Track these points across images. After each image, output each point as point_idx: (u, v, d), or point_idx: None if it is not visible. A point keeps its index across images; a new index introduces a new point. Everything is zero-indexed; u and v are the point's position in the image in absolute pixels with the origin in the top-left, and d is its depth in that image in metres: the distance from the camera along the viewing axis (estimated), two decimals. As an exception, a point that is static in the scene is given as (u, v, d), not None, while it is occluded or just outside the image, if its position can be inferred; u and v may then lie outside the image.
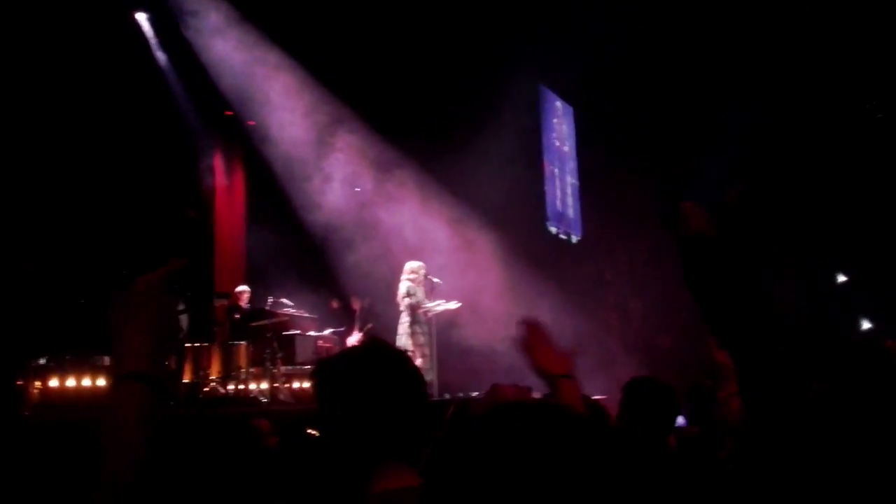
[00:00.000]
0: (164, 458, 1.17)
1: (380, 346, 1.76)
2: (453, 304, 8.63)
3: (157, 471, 1.13)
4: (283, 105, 10.42)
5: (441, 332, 8.99)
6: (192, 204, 10.06)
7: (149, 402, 1.15)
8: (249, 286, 9.62)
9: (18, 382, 6.64)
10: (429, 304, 8.41)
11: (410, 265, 8.56)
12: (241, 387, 8.46)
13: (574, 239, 13.57)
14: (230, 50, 9.97)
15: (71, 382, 7.06)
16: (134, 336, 1.18)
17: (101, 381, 7.50)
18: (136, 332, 1.19)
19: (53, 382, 6.97)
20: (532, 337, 2.09)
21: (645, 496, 0.92)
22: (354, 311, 10.09)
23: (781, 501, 0.86)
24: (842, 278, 10.59)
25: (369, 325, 9.71)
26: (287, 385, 8.69)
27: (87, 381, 7.09)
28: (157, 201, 9.31)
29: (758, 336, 0.88)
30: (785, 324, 0.88)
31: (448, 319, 9.21)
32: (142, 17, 10.11)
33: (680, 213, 0.90)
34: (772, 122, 9.56)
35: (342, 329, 10.01)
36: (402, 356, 1.72)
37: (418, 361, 8.29)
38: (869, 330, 9.35)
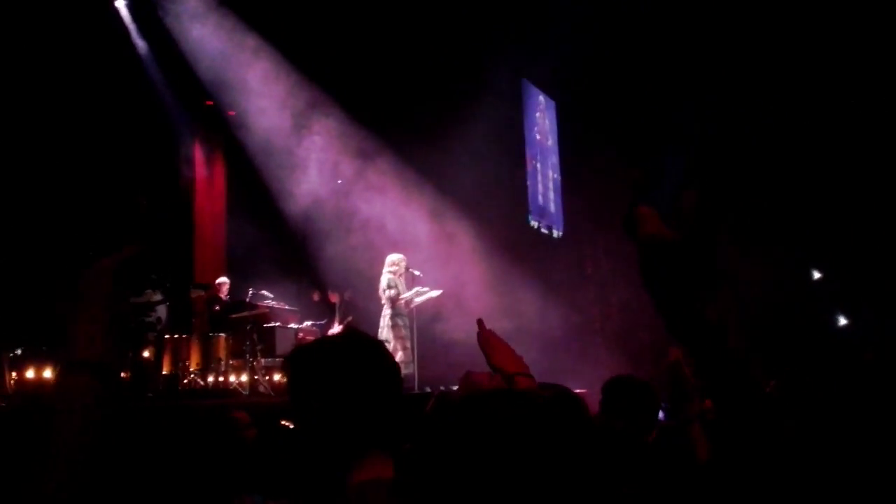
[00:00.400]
0: (119, 448, 1.16)
1: (356, 336, 1.74)
2: (435, 293, 8.62)
3: (107, 461, 1.11)
4: (263, 95, 10.36)
5: (423, 325, 8.99)
6: (144, 192, 9.97)
7: (97, 391, 1.13)
8: (229, 278, 9.57)
9: None
10: (409, 294, 8.40)
11: (391, 258, 8.55)
12: (221, 379, 8.42)
13: (556, 233, 13.61)
14: (208, 35, 9.91)
15: (47, 373, 6.99)
16: (84, 324, 1.17)
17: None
18: (87, 319, 1.17)
19: (29, 373, 6.90)
20: (489, 336, 2.21)
21: (614, 483, 0.93)
22: (334, 304, 10.06)
23: (745, 494, 0.88)
24: (817, 275, 10.71)
25: (349, 318, 9.70)
26: (267, 377, 8.65)
27: (47, 373, 7.02)
28: (129, 191, 9.23)
29: (711, 335, 0.90)
30: (742, 322, 0.90)
31: (430, 313, 9.21)
32: (121, 4, 9.99)
33: (635, 217, 0.93)
34: (736, 119, 9.66)
35: (323, 321, 9.99)
36: (379, 346, 1.71)
37: (399, 355, 8.29)
38: (845, 326, 9.48)
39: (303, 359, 1.68)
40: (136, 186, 9.49)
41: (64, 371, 1.15)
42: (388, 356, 1.70)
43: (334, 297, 9.94)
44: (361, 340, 1.71)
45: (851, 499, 0.88)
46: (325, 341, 1.75)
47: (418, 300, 8.52)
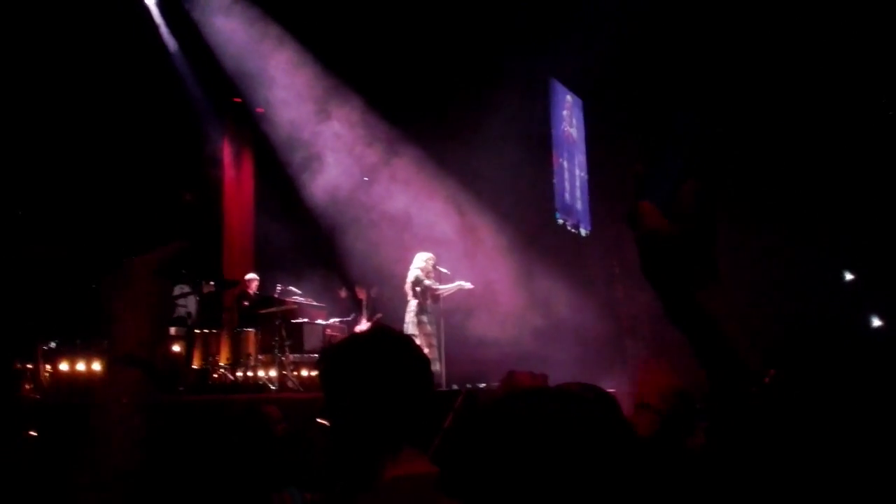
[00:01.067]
0: (164, 445, 1.16)
1: (385, 332, 1.75)
2: (466, 284, 8.65)
3: (153, 458, 1.11)
4: (289, 90, 10.45)
5: (450, 323, 9.00)
6: (190, 188, 10.08)
7: (143, 387, 1.13)
8: (258, 274, 9.65)
9: (19, 366, 6.68)
10: (441, 286, 8.43)
11: (421, 256, 8.57)
12: (250, 374, 8.50)
13: (583, 232, 13.54)
14: (235, 29, 10.00)
15: (81, 366, 7.11)
16: (129, 319, 1.16)
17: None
18: (131, 315, 1.16)
19: (63, 366, 7.02)
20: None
21: (649, 486, 0.94)
22: (361, 300, 10.11)
23: (737, 486, 0.89)
24: (849, 276, 10.54)
25: (378, 315, 9.73)
26: (295, 373, 8.73)
27: (96, 366, 7.14)
28: (162, 187, 9.36)
29: (709, 326, 0.92)
30: (742, 313, 0.92)
31: (457, 310, 9.22)
32: (151, 2, 10.12)
33: (636, 211, 0.96)
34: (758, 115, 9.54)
35: (350, 318, 10.04)
36: (408, 341, 1.72)
37: (425, 352, 8.29)
38: (881, 327, 9.32)
39: (334, 356, 1.70)
40: (180, 182, 9.62)
41: (111, 365, 1.14)
42: (418, 351, 1.71)
43: (361, 294, 9.99)
44: (391, 336, 1.71)
45: (841, 494, 0.87)
46: (355, 339, 1.76)
47: (450, 290, 8.54)
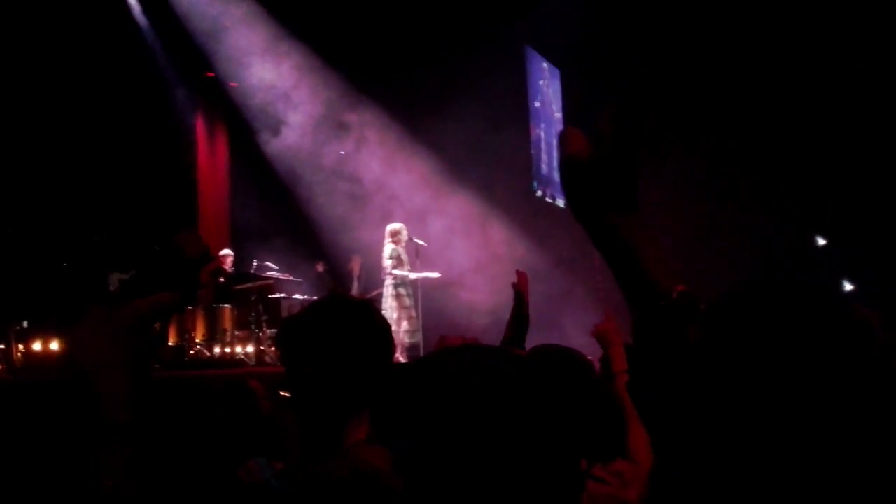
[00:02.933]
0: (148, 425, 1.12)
1: (342, 300, 1.74)
2: (433, 274, 8.72)
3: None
4: (261, 63, 10.31)
5: (428, 294, 9.02)
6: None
7: (133, 458, 1.07)
8: (234, 250, 9.58)
9: None
10: (403, 273, 8.45)
11: (392, 227, 8.56)
12: (227, 350, 8.48)
13: (560, 203, 13.56)
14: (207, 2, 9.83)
15: (54, 346, 7.04)
16: (117, 378, 1.08)
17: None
18: (120, 373, 1.08)
19: (36, 346, 6.95)
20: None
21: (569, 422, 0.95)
22: (352, 272, 10.11)
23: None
24: (821, 241, 10.64)
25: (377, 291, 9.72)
26: (272, 348, 8.70)
27: (54, 346, 7.07)
28: (134, 165, 9.22)
29: (623, 248, 0.95)
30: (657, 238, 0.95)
31: (439, 281, 9.23)
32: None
33: (560, 137, 0.99)
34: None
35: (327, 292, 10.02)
36: (367, 307, 1.71)
37: (404, 324, 8.32)
38: (851, 291, 9.45)
39: (292, 327, 1.69)
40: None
41: (103, 437, 1.07)
42: (378, 317, 1.70)
43: (356, 265, 9.98)
44: (348, 304, 1.70)
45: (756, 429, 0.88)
46: (312, 308, 1.74)
47: (416, 276, 8.57)
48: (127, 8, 9.91)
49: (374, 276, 9.85)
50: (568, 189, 0.99)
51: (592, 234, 0.98)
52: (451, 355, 0.97)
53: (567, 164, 0.98)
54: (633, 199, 0.96)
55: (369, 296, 9.36)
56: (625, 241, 0.95)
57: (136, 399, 1.10)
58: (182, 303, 1.22)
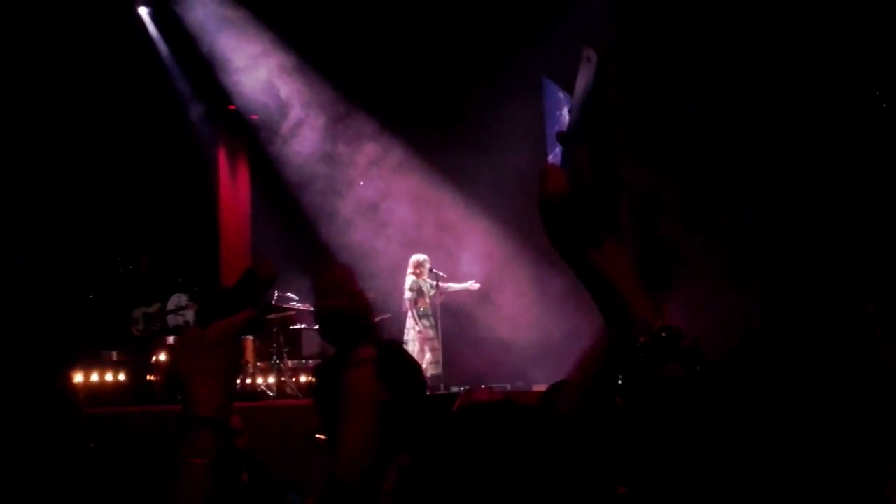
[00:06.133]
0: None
1: (385, 345, 1.76)
2: (475, 285, 8.71)
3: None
4: (284, 94, 10.48)
5: (449, 325, 9.02)
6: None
7: (218, 449, 1.21)
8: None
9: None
10: (451, 285, 8.47)
11: (415, 259, 8.59)
12: (248, 381, 8.49)
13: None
14: (230, 38, 10.03)
15: (79, 378, 7.10)
16: (205, 382, 1.24)
17: (109, 377, 7.53)
18: (208, 378, 1.25)
19: (78, 377, 7.02)
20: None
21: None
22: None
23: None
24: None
25: (386, 315, 9.71)
26: (294, 379, 8.72)
27: (95, 377, 7.13)
28: (157, 196, 9.35)
29: (601, 280, 0.98)
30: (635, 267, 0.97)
31: (456, 313, 9.23)
32: (144, 12, 10.13)
33: (540, 174, 1.01)
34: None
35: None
36: (396, 348, 1.74)
37: (427, 356, 8.32)
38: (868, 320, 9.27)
39: (328, 371, 1.71)
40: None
41: (187, 427, 1.21)
42: (406, 357, 1.73)
43: None
44: (381, 346, 1.72)
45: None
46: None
47: (456, 287, 8.58)
48: (152, 43, 10.14)
49: (378, 301, 9.89)
50: (547, 225, 1.01)
51: (574, 269, 1.01)
52: (479, 419, 0.99)
53: (545, 200, 1.00)
54: (615, 231, 0.99)
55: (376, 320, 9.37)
56: (604, 276, 0.97)
57: (222, 402, 1.26)
58: (257, 322, 1.36)
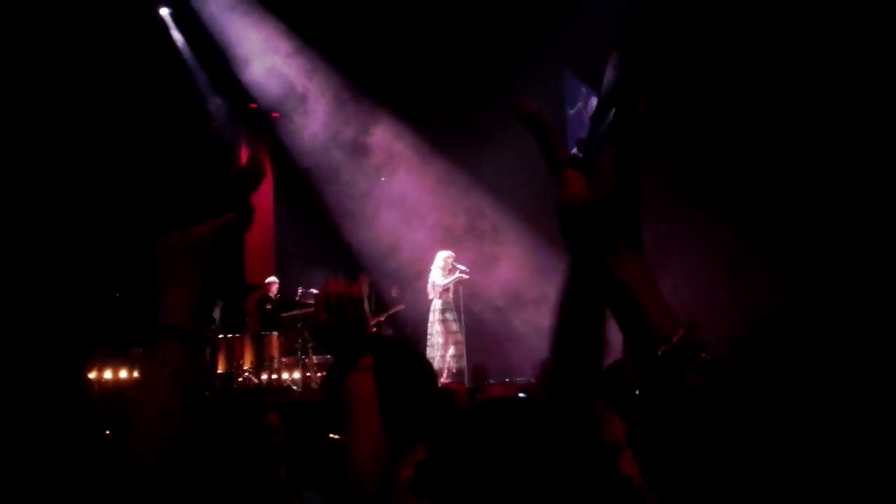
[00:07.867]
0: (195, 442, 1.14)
1: (382, 342, 1.80)
2: (464, 275, 8.69)
3: (181, 462, 1.09)
4: (304, 95, 10.53)
5: (473, 320, 9.05)
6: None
7: (185, 361, 1.12)
8: (278, 277, 9.73)
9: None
10: (444, 280, 8.48)
11: (441, 255, 8.63)
12: (274, 376, 8.59)
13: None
14: (249, 36, 10.10)
15: (108, 374, 7.22)
16: (176, 290, 1.15)
17: (137, 374, 7.64)
18: (179, 286, 1.15)
19: (91, 375, 7.12)
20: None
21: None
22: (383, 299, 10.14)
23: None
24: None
25: (400, 306, 9.74)
26: (319, 374, 8.80)
27: (123, 373, 7.24)
28: (181, 194, 9.46)
29: (618, 290, 0.95)
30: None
31: (480, 308, 9.25)
32: (165, 13, 10.25)
33: (560, 179, 0.99)
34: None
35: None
36: (403, 344, 1.77)
37: (451, 349, 8.35)
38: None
39: (331, 381, 1.74)
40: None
41: (153, 336, 1.13)
42: (413, 352, 1.77)
43: (364, 285, 10.05)
44: (383, 344, 1.77)
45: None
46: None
47: (448, 281, 8.58)
48: (174, 46, 10.26)
49: (383, 296, 9.96)
50: (565, 231, 1.00)
51: (591, 277, 0.98)
52: (493, 415, 1.01)
53: (564, 206, 0.99)
54: (635, 240, 0.97)
55: (385, 315, 9.42)
56: (623, 284, 0.95)
57: (195, 311, 1.16)
58: (240, 227, 1.25)
